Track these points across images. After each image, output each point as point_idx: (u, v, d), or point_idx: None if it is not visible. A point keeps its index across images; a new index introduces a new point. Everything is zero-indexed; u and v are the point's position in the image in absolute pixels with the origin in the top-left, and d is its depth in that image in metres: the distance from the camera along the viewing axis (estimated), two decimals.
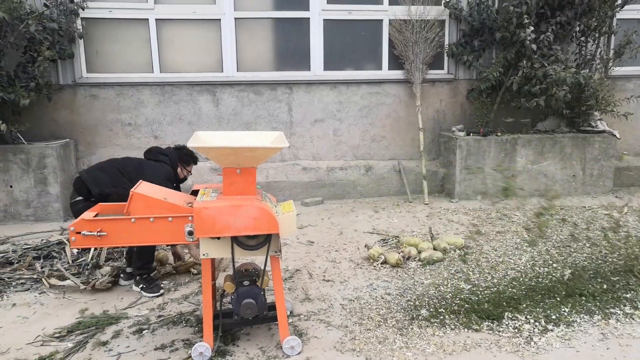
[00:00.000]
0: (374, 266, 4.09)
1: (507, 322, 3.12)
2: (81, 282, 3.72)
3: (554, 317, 3.16)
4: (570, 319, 3.14)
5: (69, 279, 3.76)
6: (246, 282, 2.83)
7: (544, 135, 6.20)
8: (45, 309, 3.44)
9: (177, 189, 3.84)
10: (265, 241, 2.71)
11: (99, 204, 3.02)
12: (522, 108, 6.12)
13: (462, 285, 3.67)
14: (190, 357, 2.76)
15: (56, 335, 3.07)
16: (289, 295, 3.58)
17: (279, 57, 6.27)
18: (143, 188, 2.80)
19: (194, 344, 2.76)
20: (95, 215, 2.76)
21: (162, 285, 3.77)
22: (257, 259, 3.20)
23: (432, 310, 3.29)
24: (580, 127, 6.43)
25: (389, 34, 6.26)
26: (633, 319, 3.16)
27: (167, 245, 4.28)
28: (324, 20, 6.18)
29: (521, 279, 3.74)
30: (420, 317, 3.20)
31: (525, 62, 5.85)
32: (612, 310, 3.26)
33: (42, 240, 4.69)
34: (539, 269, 3.93)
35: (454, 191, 6.10)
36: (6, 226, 5.22)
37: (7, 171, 5.28)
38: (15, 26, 5.11)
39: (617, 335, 2.99)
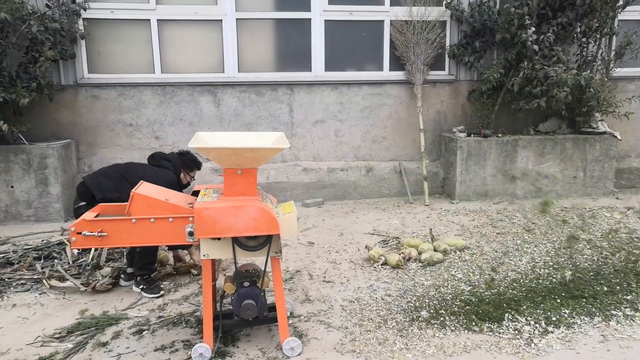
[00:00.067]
0: (375, 267, 4.09)
1: (507, 324, 3.11)
2: (81, 284, 3.73)
3: (554, 318, 3.16)
4: (571, 321, 3.14)
5: (69, 280, 3.77)
6: (246, 283, 2.83)
7: (545, 137, 6.20)
8: (45, 310, 3.44)
9: None
10: (265, 242, 2.71)
11: (100, 204, 3.03)
12: (522, 109, 6.12)
13: (462, 287, 3.67)
14: (190, 358, 2.76)
15: (56, 335, 3.08)
16: (289, 296, 3.58)
17: (280, 57, 6.27)
18: (144, 188, 2.80)
19: (194, 345, 2.76)
20: (96, 216, 2.77)
21: (162, 286, 3.77)
22: (258, 259, 3.19)
23: (432, 311, 3.29)
24: (581, 129, 6.42)
25: (390, 34, 6.26)
26: (634, 320, 3.15)
27: (167, 247, 4.28)
28: (325, 21, 6.18)
29: (522, 281, 3.74)
30: (420, 319, 3.20)
31: (526, 63, 5.84)
32: (612, 312, 3.25)
33: (42, 240, 4.70)
34: (540, 270, 3.92)
35: (455, 192, 6.09)
36: (7, 226, 5.23)
37: (8, 171, 5.28)
38: (17, 26, 5.12)
39: (618, 337, 2.98)
